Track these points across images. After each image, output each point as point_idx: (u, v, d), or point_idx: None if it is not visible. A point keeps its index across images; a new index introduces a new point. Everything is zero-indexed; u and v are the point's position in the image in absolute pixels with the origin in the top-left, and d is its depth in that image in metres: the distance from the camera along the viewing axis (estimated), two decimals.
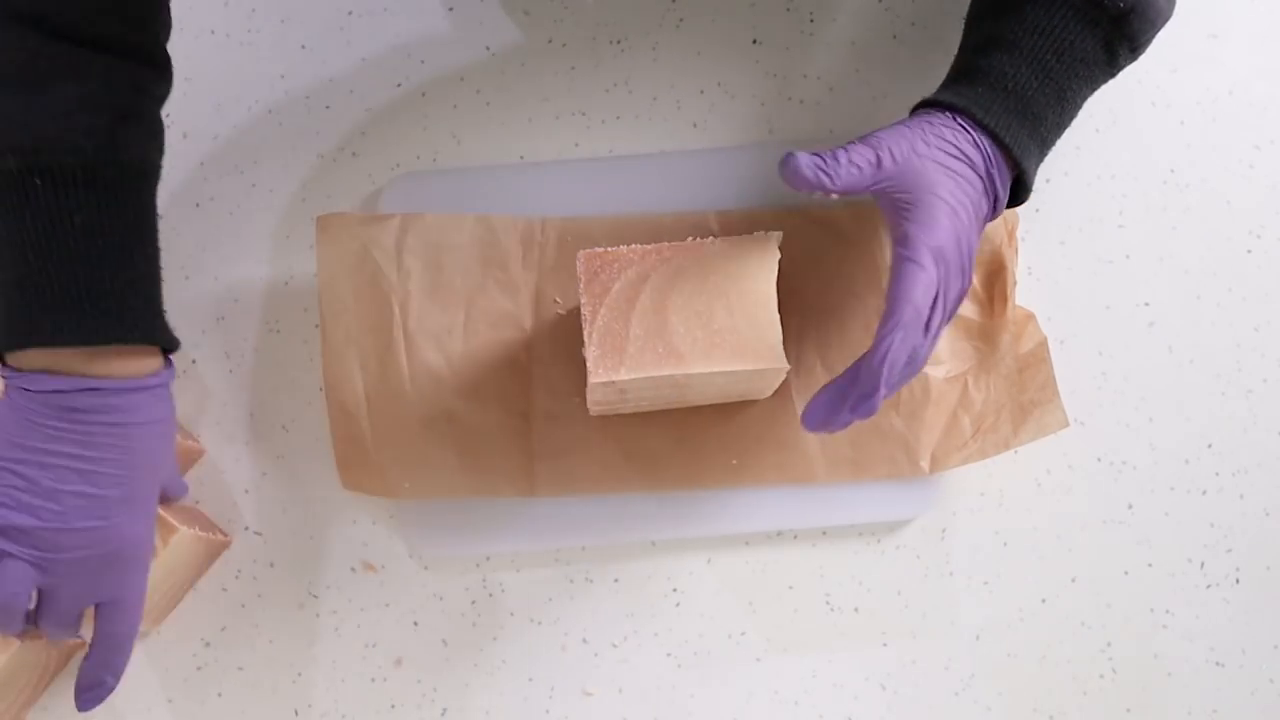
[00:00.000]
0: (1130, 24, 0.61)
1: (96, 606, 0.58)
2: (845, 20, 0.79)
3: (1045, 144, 0.63)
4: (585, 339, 0.62)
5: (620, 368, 0.62)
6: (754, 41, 0.78)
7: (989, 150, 0.61)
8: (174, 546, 0.66)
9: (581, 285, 0.63)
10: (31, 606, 0.57)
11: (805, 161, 0.58)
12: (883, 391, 0.57)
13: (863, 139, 0.60)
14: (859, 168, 0.59)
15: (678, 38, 0.78)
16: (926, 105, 0.63)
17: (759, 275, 0.63)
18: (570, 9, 0.78)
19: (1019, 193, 0.64)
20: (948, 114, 0.61)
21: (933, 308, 0.58)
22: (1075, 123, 0.79)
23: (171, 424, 0.60)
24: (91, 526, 0.56)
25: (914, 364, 0.59)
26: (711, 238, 0.64)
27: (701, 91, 0.78)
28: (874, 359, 0.57)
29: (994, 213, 0.63)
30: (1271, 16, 0.81)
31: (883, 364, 0.57)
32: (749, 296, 0.63)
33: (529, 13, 0.78)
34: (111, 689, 0.60)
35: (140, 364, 0.57)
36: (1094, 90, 0.64)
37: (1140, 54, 0.64)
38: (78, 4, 0.54)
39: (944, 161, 0.60)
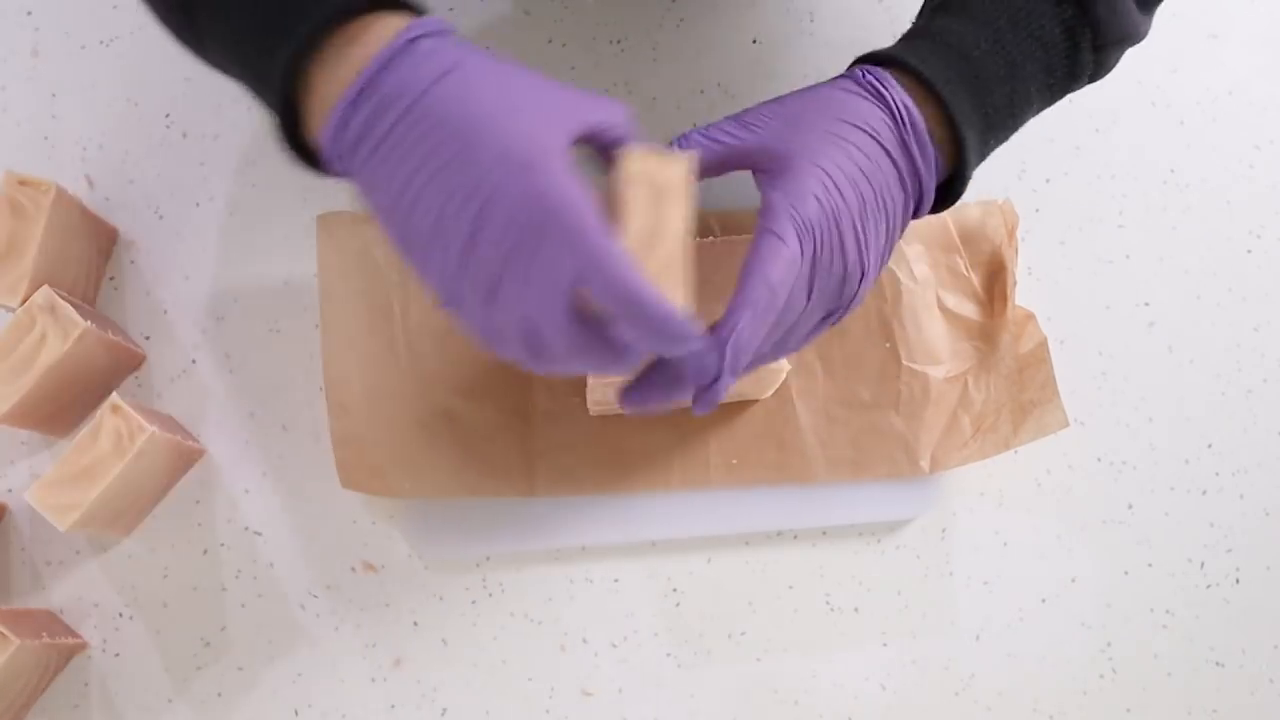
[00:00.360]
0: (1097, 10, 0.55)
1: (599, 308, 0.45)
2: (845, 20, 0.79)
3: (991, 125, 0.55)
4: None
5: None
6: (754, 41, 0.78)
7: (901, 110, 0.52)
8: (144, 449, 0.65)
9: None
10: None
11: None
12: (726, 380, 0.50)
13: (737, 113, 0.54)
14: (716, 140, 0.52)
15: (678, 38, 0.78)
16: (858, 63, 0.56)
17: None
18: (570, 9, 0.78)
19: (958, 180, 0.55)
20: (854, 73, 0.54)
21: (801, 290, 0.51)
22: (1075, 123, 0.79)
23: (480, 61, 0.47)
24: (474, 221, 0.44)
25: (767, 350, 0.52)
26: (711, 238, 0.64)
27: (701, 91, 0.78)
28: (726, 339, 0.49)
29: (919, 206, 0.55)
30: (1271, 16, 0.81)
31: (724, 350, 0.49)
32: None
33: (529, 13, 0.78)
34: (713, 373, 0.49)
35: (374, 43, 0.46)
36: (1050, 91, 0.57)
37: (1106, 63, 0.58)
38: None
39: (834, 129, 0.52)
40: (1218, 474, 0.76)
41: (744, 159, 0.53)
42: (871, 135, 0.52)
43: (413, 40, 0.46)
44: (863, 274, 0.52)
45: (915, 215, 0.55)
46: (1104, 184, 0.79)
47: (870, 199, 0.52)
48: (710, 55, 0.78)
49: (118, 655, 0.71)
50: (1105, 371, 0.77)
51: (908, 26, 0.78)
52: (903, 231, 0.55)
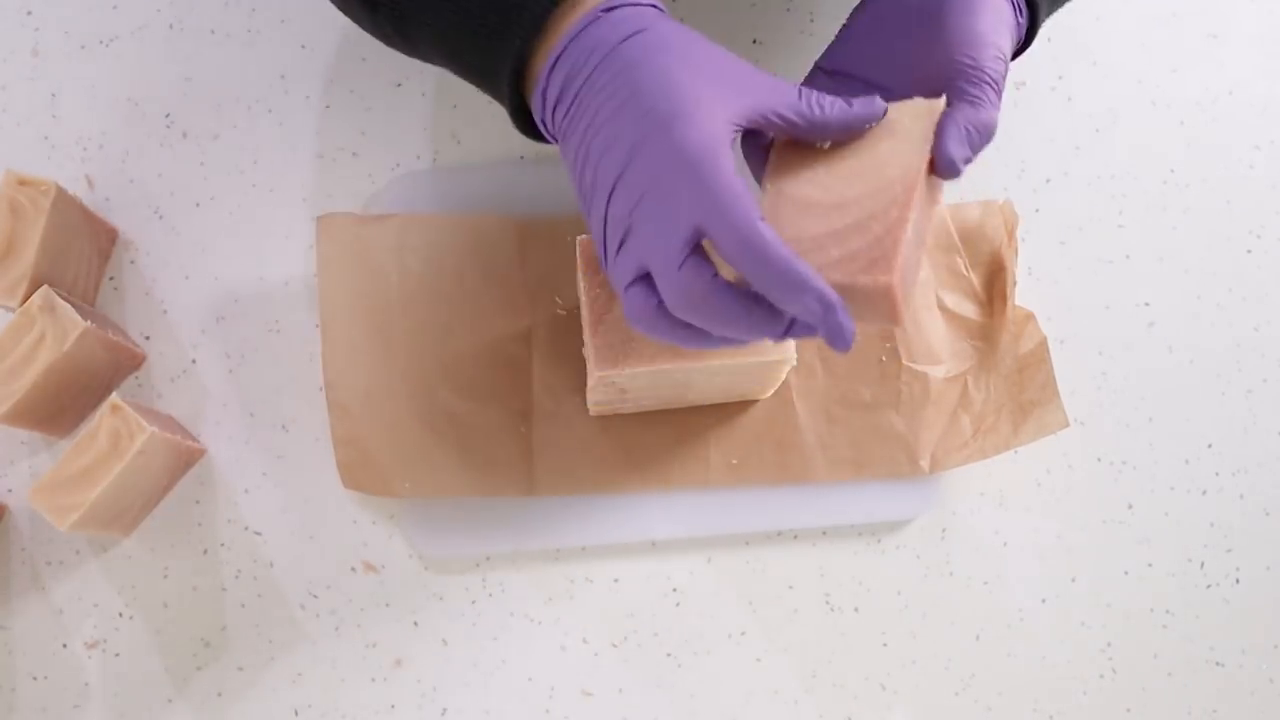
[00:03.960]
0: None
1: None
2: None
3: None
4: (585, 330, 0.62)
5: (623, 361, 0.61)
6: (754, 41, 0.78)
7: None
8: (143, 449, 0.65)
9: (580, 272, 0.62)
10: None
11: (958, 151, 0.52)
12: (994, 117, 0.53)
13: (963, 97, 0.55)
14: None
15: None
16: None
17: None
18: None
19: (1028, 36, 0.60)
20: None
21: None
22: (1075, 123, 0.79)
23: (669, 28, 0.50)
24: (620, 167, 0.48)
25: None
26: None
27: None
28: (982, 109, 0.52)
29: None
30: (1271, 16, 0.81)
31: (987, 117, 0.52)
32: None
33: None
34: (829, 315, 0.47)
35: (576, 15, 0.51)
36: None
37: None
38: None
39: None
40: (1218, 474, 0.76)
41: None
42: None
43: (609, 10, 0.50)
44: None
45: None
46: (1104, 184, 0.79)
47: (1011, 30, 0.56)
48: None
49: (118, 655, 0.71)
50: (1105, 371, 0.77)
51: None
52: None
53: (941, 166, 0.52)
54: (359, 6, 0.58)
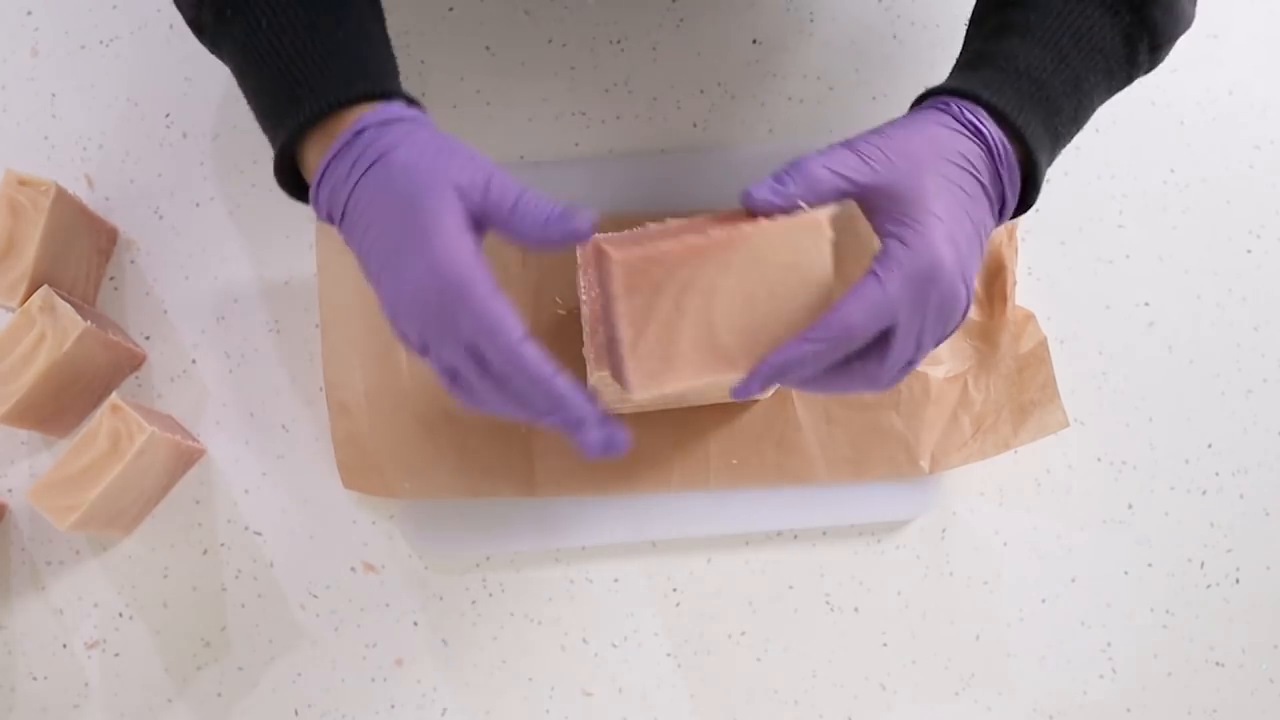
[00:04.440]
0: (1152, 14, 0.57)
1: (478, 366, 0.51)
2: (845, 20, 0.79)
3: (1059, 138, 0.58)
4: (585, 330, 0.62)
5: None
6: (754, 41, 0.78)
7: (999, 145, 0.54)
8: (143, 449, 0.65)
9: (581, 272, 0.62)
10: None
11: (759, 192, 0.52)
12: (752, 391, 0.53)
13: (845, 141, 0.54)
14: (837, 173, 0.52)
15: (678, 38, 0.78)
16: (930, 95, 0.57)
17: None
18: (570, 9, 0.78)
19: (1029, 193, 0.57)
20: (951, 107, 0.55)
21: (892, 341, 0.52)
22: None
23: (401, 152, 0.52)
24: (383, 281, 0.51)
25: (853, 380, 0.54)
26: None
27: (701, 91, 0.78)
28: (768, 360, 0.52)
29: (1000, 219, 0.56)
30: (1271, 16, 0.81)
31: (773, 368, 0.52)
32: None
33: (529, 13, 0.78)
34: (585, 419, 0.50)
35: (339, 131, 0.53)
36: (1110, 93, 0.60)
37: (1160, 58, 0.60)
38: None
39: (944, 171, 0.53)
40: (1218, 474, 0.76)
41: (861, 193, 0.53)
42: (974, 175, 0.54)
43: (359, 133, 0.52)
44: (966, 308, 0.54)
45: (993, 228, 0.57)
46: (1104, 184, 0.79)
47: (974, 239, 0.54)
48: (710, 55, 0.78)
49: (118, 655, 0.71)
50: (1105, 371, 0.77)
51: (907, 27, 0.79)
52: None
53: (745, 194, 0.53)
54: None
